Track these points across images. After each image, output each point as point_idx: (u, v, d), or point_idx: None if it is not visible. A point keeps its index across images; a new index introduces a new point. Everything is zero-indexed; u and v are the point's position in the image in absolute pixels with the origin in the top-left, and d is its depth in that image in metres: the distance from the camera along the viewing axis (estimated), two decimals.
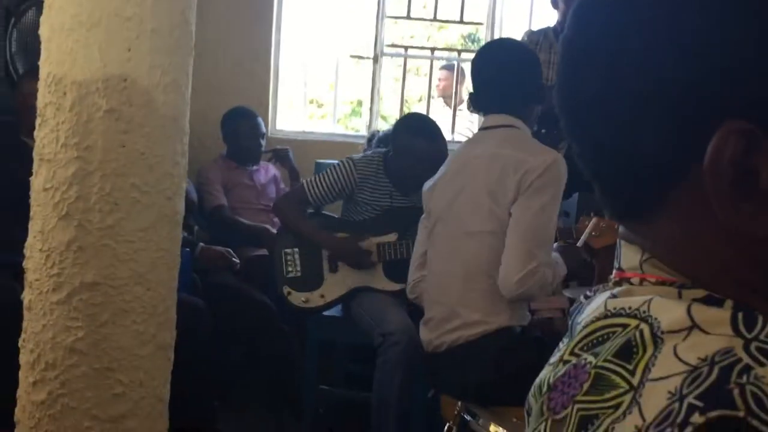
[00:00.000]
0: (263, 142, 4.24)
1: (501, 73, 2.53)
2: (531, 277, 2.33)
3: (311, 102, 6.23)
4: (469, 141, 2.67)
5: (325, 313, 3.43)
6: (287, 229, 3.43)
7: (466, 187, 2.49)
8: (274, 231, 3.73)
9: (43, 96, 1.96)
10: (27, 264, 2.00)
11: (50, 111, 1.94)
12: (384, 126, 4.99)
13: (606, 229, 2.81)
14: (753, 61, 0.52)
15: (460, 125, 5.14)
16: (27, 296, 2.00)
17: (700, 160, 0.53)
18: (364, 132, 4.91)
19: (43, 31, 1.96)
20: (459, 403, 1.92)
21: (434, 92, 5.27)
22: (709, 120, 0.53)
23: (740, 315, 0.52)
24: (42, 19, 1.97)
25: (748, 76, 0.52)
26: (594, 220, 2.82)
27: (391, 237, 3.36)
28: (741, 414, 0.45)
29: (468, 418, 1.83)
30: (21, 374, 2.01)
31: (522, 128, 2.52)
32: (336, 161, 3.51)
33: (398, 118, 4.66)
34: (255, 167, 4.22)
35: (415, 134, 3.23)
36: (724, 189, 0.53)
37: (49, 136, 1.94)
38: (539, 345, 2.50)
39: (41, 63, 1.97)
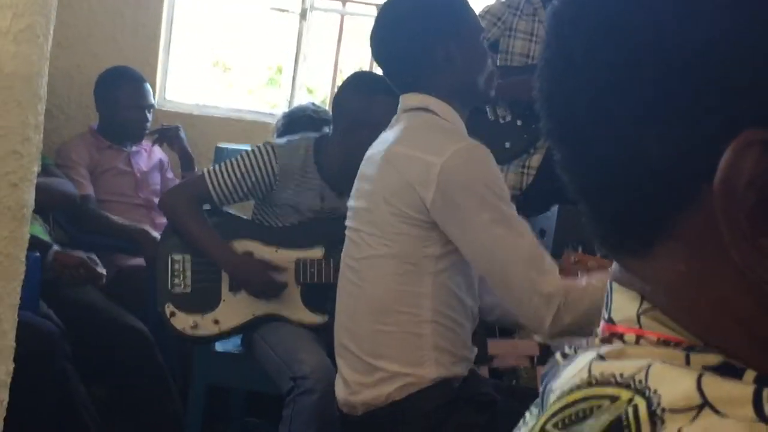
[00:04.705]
0: (149, 116, 3.58)
1: (400, 35, 1.99)
2: (549, 310, 1.75)
3: (215, 65, 5.15)
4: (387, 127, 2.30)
5: (219, 347, 2.90)
6: (176, 232, 2.91)
7: (365, 192, 2.05)
8: (156, 234, 3.13)
9: None
10: None
11: None
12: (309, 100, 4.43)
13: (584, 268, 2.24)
14: None
15: None
16: None
17: (712, 179, 0.49)
18: (283, 108, 4.17)
19: None
20: None
21: None
22: (726, 129, 0.46)
23: (766, 392, 0.44)
24: None
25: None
26: (566, 256, 2.17)
27: (316, 252, 2.71)
28: None
29: None
30: None
31: (438, 111, 2.00)
32: (245, 147, 3.01)
33: (332, 88, 4.17)
34: (135, 148, 3.60)
35: (372, 92, 2.50)
36: (740, 218, 0.45)
37: None
38: (488, 407, 2.04)
39: None
